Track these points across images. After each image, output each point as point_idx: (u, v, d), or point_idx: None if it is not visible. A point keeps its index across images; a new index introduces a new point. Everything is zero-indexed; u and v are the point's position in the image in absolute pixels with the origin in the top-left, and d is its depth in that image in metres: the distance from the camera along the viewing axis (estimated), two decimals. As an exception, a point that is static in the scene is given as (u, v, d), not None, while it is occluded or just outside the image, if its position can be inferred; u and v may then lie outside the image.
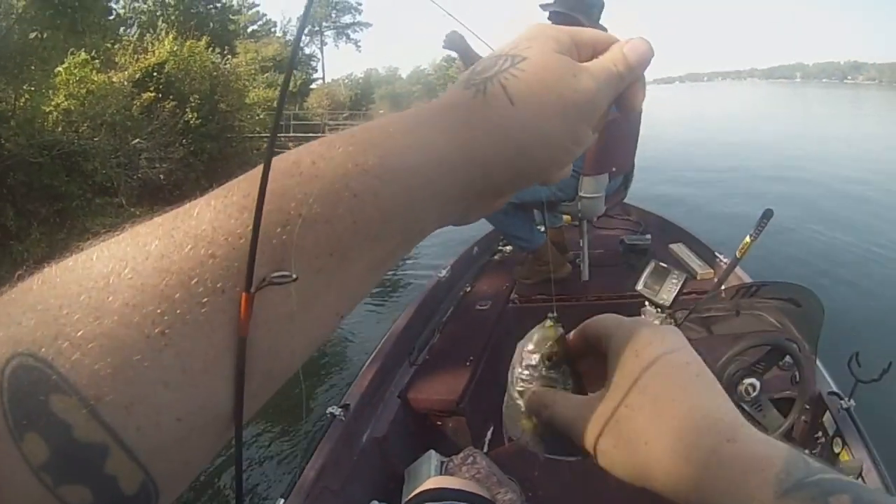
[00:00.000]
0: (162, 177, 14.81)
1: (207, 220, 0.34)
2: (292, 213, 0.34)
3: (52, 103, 11.89)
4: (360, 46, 61.07)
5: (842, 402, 2.26)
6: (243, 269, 0.32)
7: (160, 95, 15.85)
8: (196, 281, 0.32)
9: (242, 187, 0.36)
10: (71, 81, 12.40)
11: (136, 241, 0.33)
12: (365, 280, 0.40)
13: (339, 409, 2.47)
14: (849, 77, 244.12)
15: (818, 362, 2.38)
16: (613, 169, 3.57)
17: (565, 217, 4.25)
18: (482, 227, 4.42)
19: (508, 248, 4.51)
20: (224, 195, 0.36)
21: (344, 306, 0.40)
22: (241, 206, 0.34)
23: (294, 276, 0.34)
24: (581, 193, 3.51)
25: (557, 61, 0.45)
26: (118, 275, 0.31)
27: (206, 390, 0.32)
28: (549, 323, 0.69)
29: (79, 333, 0.29)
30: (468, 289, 3.91)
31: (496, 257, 4.47)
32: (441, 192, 0.41)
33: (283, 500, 2.01)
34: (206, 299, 0.32)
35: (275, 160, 0.35)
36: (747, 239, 2.50)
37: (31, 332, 0.29)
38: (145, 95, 15.32)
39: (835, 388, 2.39)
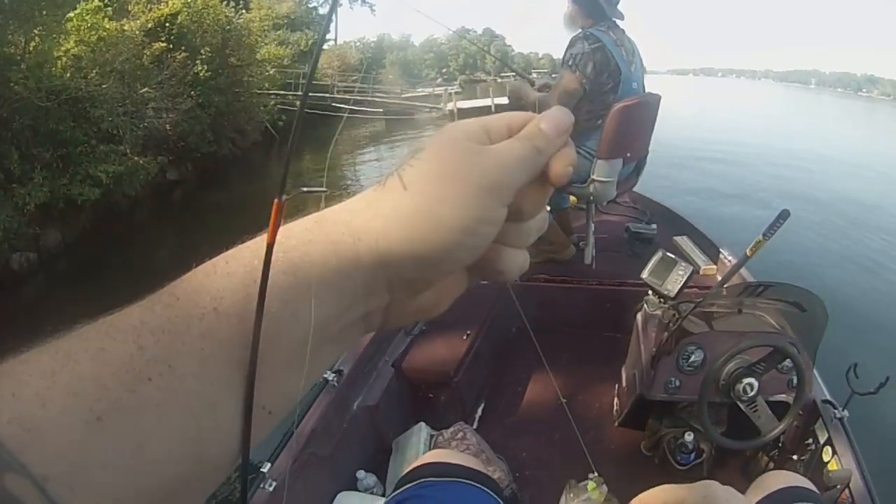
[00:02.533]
0: (168, 127, 14.75)
1: (136, 315, 0.37)
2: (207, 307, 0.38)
3: (63, 49, 11.77)
4: (374, 10, 60.33)
5: (835, 411, 2.27)
6: (171, 357, 0.36)
7: (171, 46, 15.68)
8: (127, 370, 0.34)
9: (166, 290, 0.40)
10: (82, 28, 12.26)
11: (78, 336, 0.35)
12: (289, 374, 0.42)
13: (333, 375, 2.46)
14: (864, 89, 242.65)
15: (814, 369, 2.39)
16: (628, 154, 3.55)
17: (571, 199, 4.25)
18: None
19: None
20: (171, 285, 0.40)
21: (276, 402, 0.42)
22: (165, 302, 0.38)
23: (326, 189, 0.39)
24: (594, 176, 3.49)
25: (455, 146, 0.45)
26: (62, 365, 0.33)
27: (141, 473, 0.34)
28: (591, 485, 0.69)
29: (28, 417, 0.31)
30: None
31: None
32: (336, 284, 0.42)
33: (269, 465, 2.01)
34: (135, 388, 0.34)
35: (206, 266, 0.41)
36: (760, 238, 2.51)
37: None
38: (156, 45, 15.14)
39: (828, 397, 2.40)
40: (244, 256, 0.41)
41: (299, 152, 23.28)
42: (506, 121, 0.49)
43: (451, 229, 0.43)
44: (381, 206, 0.43)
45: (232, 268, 0.40)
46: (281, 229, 0.40)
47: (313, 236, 0.43)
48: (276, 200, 0.36)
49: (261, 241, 0.41)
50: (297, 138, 0.41)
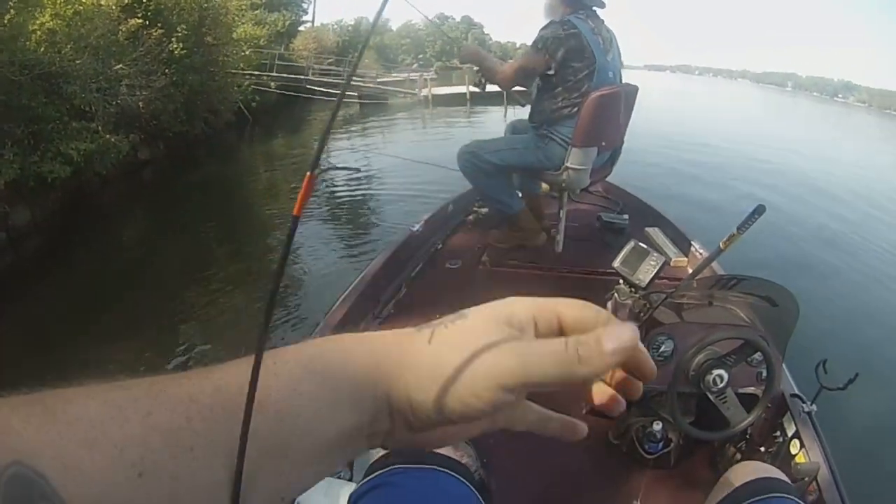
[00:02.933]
0: (141, 105, 14.52)
1: (186, 390, 0.40)
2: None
3: (38, 22, 11.60)
4: (353, -8, 60.01)
5: (804, 405, 2.30)
6: (214, 435, 0.39)
7: (147, 23, 15.43)
8: (173, 439, 0.37)
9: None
10: (58, 1, 12.11)
11: (128, 393, 0.38)
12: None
13: None
14: (840, 95, 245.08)
15: (783, 364, 2.41)
16: (603, 143, 3.56)
17: (543, 186, 4.26)
18: (460, 185, 4.39)
19: (484, 209, 4.47)
20: (220, 371, 0.43)
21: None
22: (215, 385, 0.42)
23: (356, 167, 0.40)
24: (567, 164, 3.50)
25: (488, 327, 0.46)
26: (111, 418, 0.36)
27: None
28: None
29: (75, 459, 0.33)
30: (440, 246, 3.90)
31: (470, 217, 4.42)
32: (351, 403, 0.45)
33: None
34: (178, 455, 0.37)
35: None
36: (734, 232, 2.52)
37: (34, 446, 0.32)
38: (132, 21, 14.88)
39: (797, 391, 2.43)
40: (288, 361, 0.45)
41: (272, 133, 23.23)
42: (560, 308, 0.51)
43: (452, 394, 0.44)
44: (401, 348, 0.47)
45: (279, 369, 0.44)
46: (324, 338, 0.48)
47: (347, 357, 0.47)
48: (308, 173, 0.37)
49: (301, 351, 0.46)
50: (334, 117, 0.47)
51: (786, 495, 1.19)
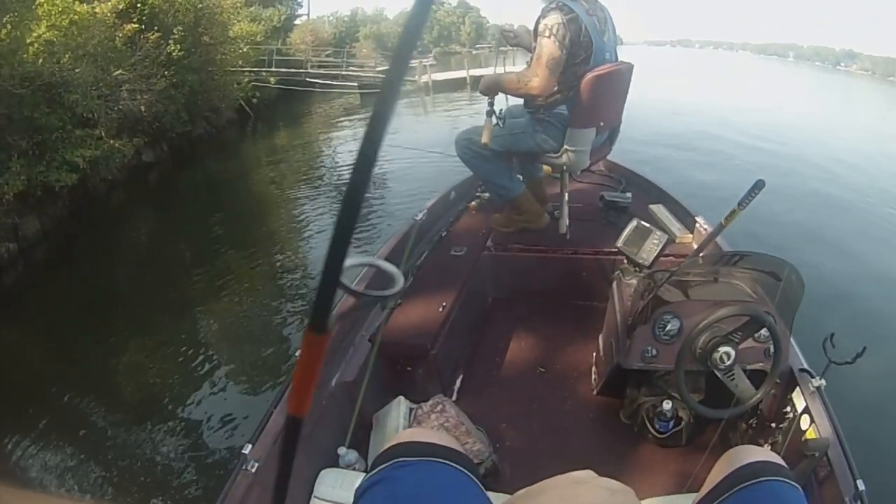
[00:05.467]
0: (143, 109, 14.58)
1: None
2: None
3: (34, 34, 11.60)
4: (350, -18, 59.92)
5: (813, 380, 2.29)
6: None
7: (143, 27, 15.48)
8: None
9: None
10: (53, 12, 12.08)
11: None
12: None
13: None
14: (842, 64, 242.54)
15: (791, 338, 2.42)
16: (601, 123, 3.53)
17: (545, 168, 4.25)
18: (461, 172, 4.38)
19: (486, 194, 4.43)
20: None
21: None
22: None
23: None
24: (566, 146, 3.48)
25: None
26: None
27: None
28: None
29: None
30: (444, 234, 3.86)
31: (473, 203, 4.38)
32: None
33: (250, 446, 2.00)
34: None
35: None
36: (735, 207, 2.52)
37: None
38: (128, 26, 14.92)
39: (806, 366, 2.42)
40: None
41: (274, 127, 23.25)
42: None
43: None
44: None
45: None
46: None
47: None
48: (309, 335, 0.38)
49: None
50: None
51: (783, 479, 1.21)
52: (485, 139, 3.50)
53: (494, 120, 3.57)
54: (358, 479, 2.28)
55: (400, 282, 0.45)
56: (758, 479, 1.19)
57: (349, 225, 0.41)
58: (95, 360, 5.96)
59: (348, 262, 0.44)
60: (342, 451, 2.41)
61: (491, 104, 3.57)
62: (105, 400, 5.43)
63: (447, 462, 1.22)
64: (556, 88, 3.37)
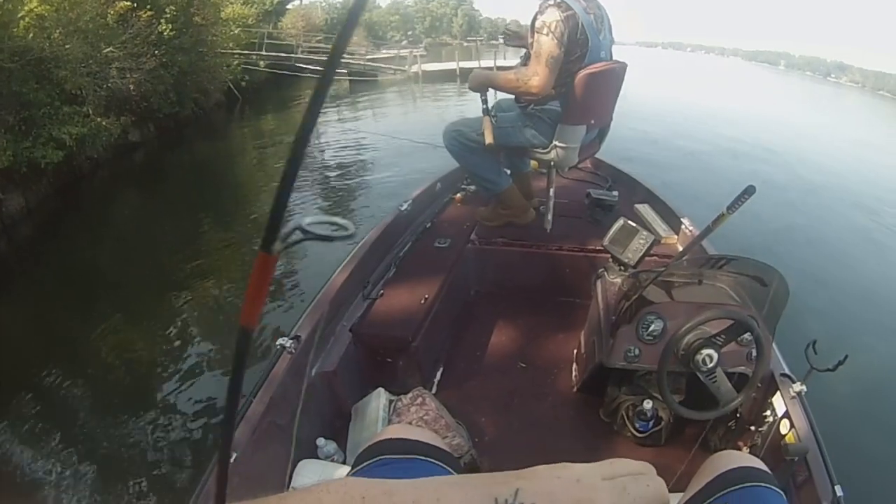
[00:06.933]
0: (131, 87, 14.46)
1: None
2: None
3: (26, 8, 11.51)
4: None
5: (794, 385, 2.30)
6: None
7: (136, 5, 15.28)
8: None
9: None
10: (46, -14, 12.04)
11: None
12: None
13: (290, 341, 2.42)
14: (832, 75, 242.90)
15: (773, 343, 2.42)
16: (592, 121, 3.52)
17: (532, 163, 4.24)
18: (447, 164, 4.35)
19: (472, 187, 4.43)
20: None
21: None
22: None
23: None
24: (556, 142, 3.47)
25: None
26: None
27: None
28: None
29: None
30: (428, 225, 3.85)
31: (459, 196, 4.38)
32: None
33: None
34: None
35: None
36: (724, 211, 2.52)
37: None
38: (121, 4, 14.71)
39: (787, 371, 2.43)
40: None
41: (262, 111, 23.19)
42: None
43: None
44: None
45: None
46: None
47: None
48: (260, 253, 0.40)
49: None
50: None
51: (766, 484, 1.21)
52: (488, 140, 3.48)
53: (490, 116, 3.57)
54: (336, 470, 2.28)
55: (350, 229, 0.48)
56: (743, 484, 1.20)
57: (298, 158, 0.44)
58: (79, 338, 5.94)
59: (308, 219, 0.46)
60: (321, 442, 2.41)
61: (485, 101, 3.56)
62: (88, 377, 5.39)
63: (431, 460, 1.22)
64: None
